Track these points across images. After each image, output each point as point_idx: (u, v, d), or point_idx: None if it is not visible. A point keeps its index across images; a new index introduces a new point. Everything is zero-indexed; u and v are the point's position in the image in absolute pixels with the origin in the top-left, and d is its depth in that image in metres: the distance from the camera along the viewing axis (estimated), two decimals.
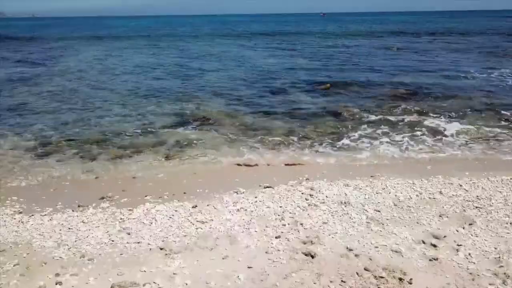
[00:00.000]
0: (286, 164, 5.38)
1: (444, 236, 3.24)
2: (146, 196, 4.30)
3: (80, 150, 6.00)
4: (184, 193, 4.32)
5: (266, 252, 3.06)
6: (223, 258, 3.01)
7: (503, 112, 7.89)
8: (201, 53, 20.17)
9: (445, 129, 6.74)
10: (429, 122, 7.12)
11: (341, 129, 6.81)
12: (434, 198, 3.96)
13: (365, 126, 6.99)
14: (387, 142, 6.14)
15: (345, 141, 6.26)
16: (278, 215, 3.62)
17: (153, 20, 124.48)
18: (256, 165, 5.29)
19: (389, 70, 13.35)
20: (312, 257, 2.95)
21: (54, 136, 6.65)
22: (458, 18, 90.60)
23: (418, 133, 6.59)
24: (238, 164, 5.31)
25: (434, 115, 7.63)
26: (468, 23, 57.70)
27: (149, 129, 6.89)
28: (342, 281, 2.71)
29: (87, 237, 3.37)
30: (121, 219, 3.68)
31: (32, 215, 3.82)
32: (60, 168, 5.38)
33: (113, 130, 6.90)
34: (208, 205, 3.90)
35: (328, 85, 10.79)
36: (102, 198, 4.27)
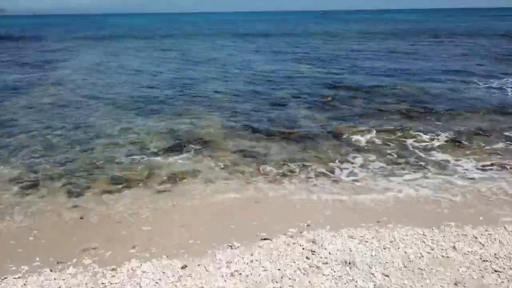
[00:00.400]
0: (286, 201, 5.03)
1: None
2: (133, 247, 3.94)
3: (68, 181, 5.64)
4: (174, 245, 3.97)
5: None
6: None
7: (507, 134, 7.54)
8: (202, 58, 19.81)
9: (454, 161, 6.35)
10: (437, 152, 6.71)
11: (343, 156, 6.43)
12: (447, 257, 3.60)
13: (369, 154, 6.60)
14: (391, 175, 5.75)
15: (348, 171, 5.88)
16: (276, 282, 3.27)
17: (155, 18, 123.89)
18: (256, 202, 4.95)
19: (394, 79, 12.97)
20: None
21: (42, 164, 6.28)
22: (461, 16, 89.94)
23: (424, 164, 6.21)
24: (236, 198, 4.99)
25: (442, 142, 7.24)
26: (470, 22, 57.18)
27: (141, 156, 6.52)
28: None
29: None
30: (102, 283, 3.32)
31: (5, 277, 3.47)
32: (44, 205, 5.02)
33: (104, 156, 6.54)
34: (199, 265, 3.55)
35: (330, 98, 10.42)
36: (85, 250, 3.91)
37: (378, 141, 7.18)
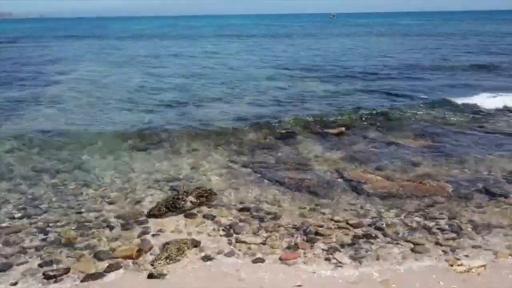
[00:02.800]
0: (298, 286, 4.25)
1: None
2: None
3: (46, 258, 4.85)
4: None
5: None
6: None
7: None
8: (205, 71, 19.03)
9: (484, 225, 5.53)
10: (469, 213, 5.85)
11: (362, 219, 5.59)
12: None
13: (391, 212, 5.79)
14: (415, 250, 4.88)
15: (368, 240, 5.04)
16: None
17: (161, 22, 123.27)
18: None
19: (416, 100, 12.16)
20: None
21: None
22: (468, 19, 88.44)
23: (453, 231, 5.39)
24: None
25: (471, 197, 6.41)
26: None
27: (133, 219, 5.73)
28: None
29: None
30: None
31: None
32: None
33: (89, 219, 5.76)
34: None
35: (343, 129, 9.60)
36: None
37: (398, 194, 6.36)
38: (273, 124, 10.19)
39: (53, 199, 6.43)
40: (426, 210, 5.80)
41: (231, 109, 11.71)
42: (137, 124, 10.17)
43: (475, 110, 11.25)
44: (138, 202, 6.25)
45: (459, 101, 11.85)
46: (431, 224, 5.42)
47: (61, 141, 9.04)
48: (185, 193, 6.04)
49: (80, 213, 5.92)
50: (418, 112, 11.01)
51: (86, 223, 5.61)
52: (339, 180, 6.90)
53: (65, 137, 9.25)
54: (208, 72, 18.93)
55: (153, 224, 5.54)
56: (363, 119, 10.57)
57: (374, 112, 11.06)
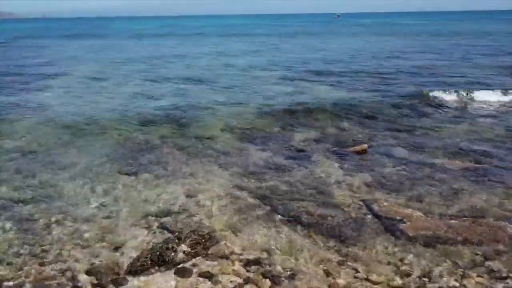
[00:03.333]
0: None
1: None
2: None
3: None
4: None
5: None
6: None
7: None
8: (208, 73, 17.73)
9: None
10: None
11: (407, 280, 4.25)
12: None
13: (442, 266, 4.45)
14: None
15: None
16: None
17: (162, 22, 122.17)
18: None
19: (445, 108, 10.78)
20: None
21: None
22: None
23: None
24: None
25: None
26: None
27: (107, 279, 4.41)
28: None
29: None
30: None
31: None
32: None
33: (52, 275, 4.47)
34: None
35: (365, 146, 8.27)
36: None
37: (449, 235, 5.01)
38: (283, 139, 8.90)
39: (15, 242, 5.15)
40: (488, 265, 4.45)
41: (234, 119, 10.39)
42: (126, 141, 8.87)
43: None
44: (117, 247, 4.95)
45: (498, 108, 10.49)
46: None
47: (36, 162, 7.75)
48: (177, 239, 4.74)
49: (43, 264, 4.63)
50: (449, 125, 9.66)
51: (46, 282, 4.31)
52: (369, 216, 5.57)
53: (40, 157, 7.96)
54: (211, 75, 17.65)
55: (133, 285, 4.22)
56: (386, 133, 9.23)
57: (398, 124, 9.74)
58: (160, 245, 4.71)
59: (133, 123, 10.12)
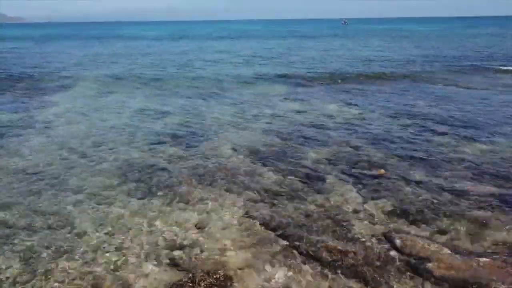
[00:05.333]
0: None
1: None
2: None
3: None
4: None
5: None
6: None
7: None
8: (213, 93, 17.47)
9: None
10: None
11: None
12: None
13: None
14: None
15: None
16: None
17: (173, 27, 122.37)
18: None
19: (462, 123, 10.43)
20: None
21: None
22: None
23: None
24: None
25: None
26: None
27: None
28: None
29: None
30: None
31: None
32: None
33: None
34: None
35: (382, 171, 7.95)
36: None
37: (481, 278, 4.67)
38: (295, 158, 8.61)
39: (18, 279, 4.88)
40: None
41: (244, 137, 10.12)
42: (134, 163, 8.60)
43: None
44: (128, 286, 4.65)
45: None
46: None
47: (42, 185, 7.50)
48: (190, 282, 4.43)
49: None
50: (467, 143, 9.32)
51: None
52: (392, 253, 5.24)
53: (47, 179, 7.71)
54: (226, 85, 17.44)
55: None
56: (402, 151, 8.91)
57: (414, 142, 9.43)
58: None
59: (141, 143, 9.87)
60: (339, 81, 18.52)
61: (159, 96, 15.88)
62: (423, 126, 11.04)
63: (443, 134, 10.38)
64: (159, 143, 9.96)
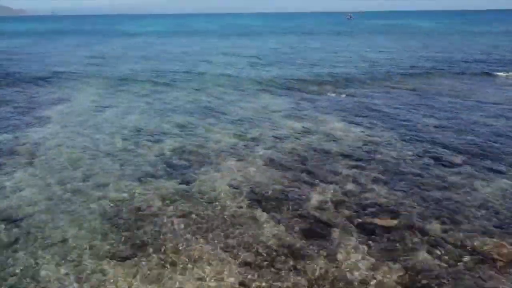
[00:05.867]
0: None
1: None
2: None
3: None
4: None
5: None
6: None
7: None
8: (214, 108, 16.72)
9: None
10: None
11: None
12: None
13: None
14: None
15: None
16: None
17: (169, 21, 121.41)
18: None
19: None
20: None
21: None
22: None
23: None
24: None
25: None
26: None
27: None
28: None
29: None
30: None
31: None
32: None
33: None
34: None
35: (393, 223, 7.24)
36: None
37: None
38: (298, 201, 7.93)
39: None
40: None
41: (242, 171, 9.43)
42: (122, 206, 7.93)
43: None
44: None
45: None
46: None
47: (18, 233, 6.86)
48: None
49: None
50: (493, 180, 8.57)
51: None
52: None
53: (24, 227, 7.07)
54: (227, 97, 16.73)
55: None
56: (414, 194, 8.19)
57: (426, 180, 8.71)
58: None
59: (133, 177, 9.20)
60: (343, 95, 17.72)
61: (157, 112, 15.16)
62: (436, 155, 10.31)
63: (458, 166, 9.65)
64: (152, 176, 9.29)
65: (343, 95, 17.73)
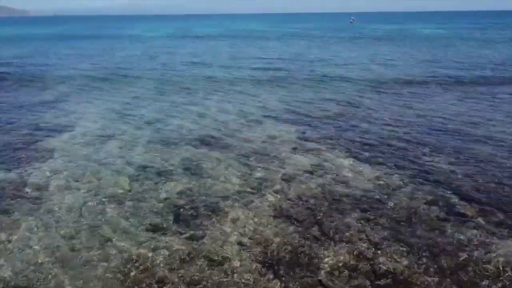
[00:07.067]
0: None
1: None
2: None
3: None
4: None
5: None
6: None
7: None
8: (219, 139, 16.50)
9: None
10: None
11: None
12: None
13: None
14: None
15: None
16: None
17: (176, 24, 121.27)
18: None
19: None
20: None
21: None
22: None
23: None
24: None
25: None
26: None
27: None
28: None
29: None
30: None
31: None
32: None
33: None
34: None
35: None
36: None
37: None
38: (308, 266, 7.72)
39: None
40: None
41: (253, 226, 9.22)
42: (128, 264, 7.73)
43: None
44: None
45: None
46: None
47: None
48: None
49: None
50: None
51: None
52: None
53: None
54: (232, 125, 16.56)
55: None
56: (430, 270, 7.97)
57: (440, 240, 8.48)
58: None
59: (139, 229, 9.02)
60: (349, 123, 17.49)
61: (163, 146, 14.92)
62: (449, 204, 10.06)
63: (472, 220, 9.39)
64: (159, 230, 9.10)
65: (349, 123, 17.51)
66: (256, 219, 9.50)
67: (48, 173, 12.24)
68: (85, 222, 9.42)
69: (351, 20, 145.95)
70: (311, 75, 30.69)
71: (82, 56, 46.69)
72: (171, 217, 9.64)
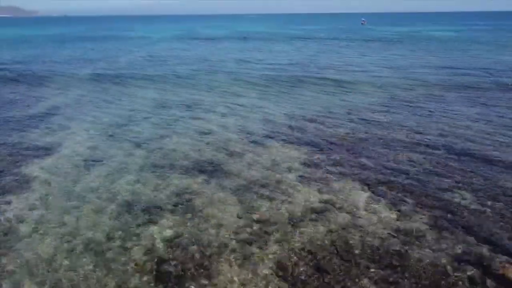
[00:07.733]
0: None
1: None
2: None
3: None
4: None
5: None
6: None
7: None
8: (219, 166, 14.96)
9: None
10: None
11: None
12: None
13: None
14: None
15: None
16: None
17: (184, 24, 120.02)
18: None
19: None
20: None
21: None
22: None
23: None
24: None
25: None
26: None
27: None
28: None
29: None
30: None
31: None
32: None
33: None
34: None
35: None
36: None
37: None
38: None
39: None
40: None
41: (254, 284, 7.67)
42: None
43: None
44: None
45: None
46: None
47: None
48: None
49: None
50: None
51: None
52: None
53: None
54: (233, 145, 15.04)
55: None
56: None
57: None
58: None
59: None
60: (364, 156, 15.82)
61: (154, 174, 13.42)
62: (479, 259, 8.41)
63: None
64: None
65: (364, 156, 15.84)
66: (254, 282, 7.93)
67: (19, 211, 10.81)
68: (53, 277, 7.93)
69: (362, 22, 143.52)
70: (323, 83, 29.01)
71: (82, 60, 45.53)
72: (151, 278, 8.11)
